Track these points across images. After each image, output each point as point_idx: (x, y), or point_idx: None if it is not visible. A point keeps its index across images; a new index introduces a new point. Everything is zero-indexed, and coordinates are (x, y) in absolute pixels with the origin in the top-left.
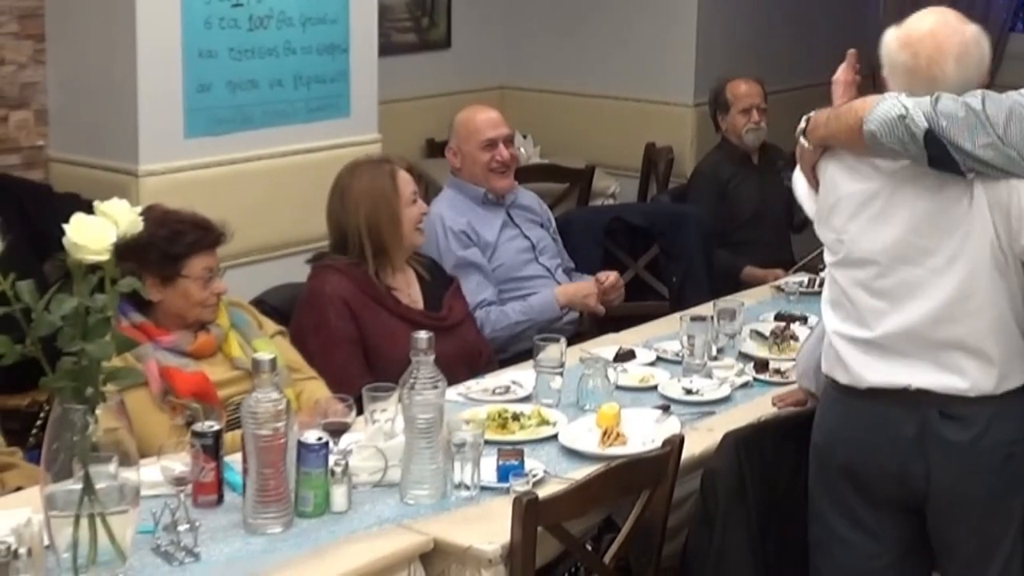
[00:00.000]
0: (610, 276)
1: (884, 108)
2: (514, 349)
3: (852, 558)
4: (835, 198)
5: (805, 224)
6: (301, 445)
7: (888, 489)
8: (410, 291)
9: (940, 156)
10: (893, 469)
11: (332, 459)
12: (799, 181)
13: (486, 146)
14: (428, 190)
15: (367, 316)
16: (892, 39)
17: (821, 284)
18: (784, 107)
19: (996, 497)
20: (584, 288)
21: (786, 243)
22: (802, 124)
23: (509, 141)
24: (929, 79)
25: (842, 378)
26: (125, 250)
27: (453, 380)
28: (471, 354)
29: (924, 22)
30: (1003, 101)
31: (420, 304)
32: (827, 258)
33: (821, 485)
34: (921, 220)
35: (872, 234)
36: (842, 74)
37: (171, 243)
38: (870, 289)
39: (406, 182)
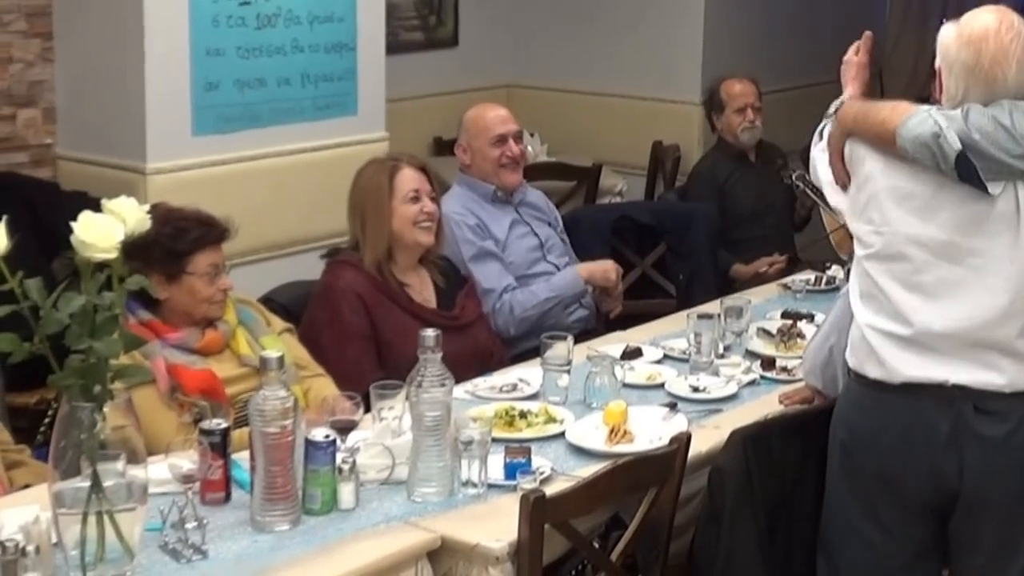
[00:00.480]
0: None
1: (917, 124)
2: (526, 345)
3: (867, 556)
4: (873, 190)
5: (806, 222)
6: (309, 443)
7: (918, 489)
8: (423, 290)
9: (968, 175)
10: (925, 468)
11: (339, 457)
12: (820, 164)
13: (496, 142)
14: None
15: (380, 312)
16: (953, 36)
17: (828, 282)
18: (790, 105)
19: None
20: (604, 263)
21: (789, 240)
22: (832, 107)
23: (518, 137)
24: (990, 79)
25: (873, 372)
26: (130, 249)
27: (464, 380)
28: (483, 354)
29: (988, 21)
30: None
31: (433, 303)
32: (859, 251)
33: (844, 482)
34: (964, 220)
35: (912, 230)
36: (854, 55)
37: (175, 240)
38: (907, 284)
39: (407, 180)
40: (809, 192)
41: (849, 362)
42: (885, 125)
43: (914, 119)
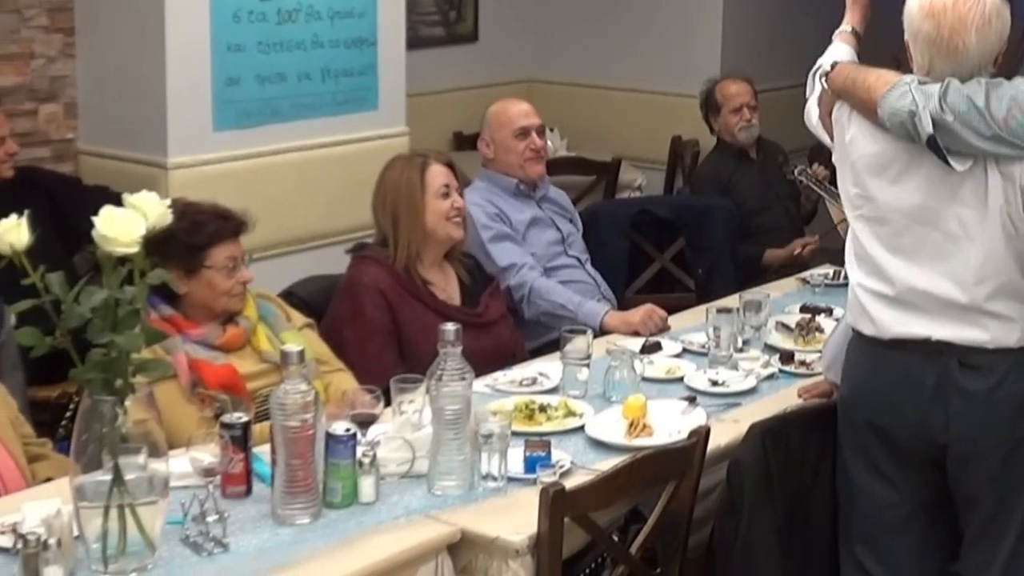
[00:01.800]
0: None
1: (896, 99)
2: (546, 339)
3: (873, 507)
4: (855, 156)
5: (813, 215)
6: (329, 436)
7: (910, 440)
8: (447, 287)
9: (937, 152)
10: (914, 419)
11: (360, 450)
12: (812, 111)
13: (519, 134)
14: None
15: (403, 308)
16: (915, 8)
17: (846, 276)
18: None
19: (1012, 448)
20: (631, 319)
21: (799, 228)
22: (826, 67)
23: (541, 131)
24: (951, 49)
25: (867, 329)
26: (148, 244)
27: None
28: (505, 353)
29: None
30: (1006, 92)
31: (457, 300)
32: (848, 212)
33: (846, 437)
34: (938, 187)
35: (889, 197)
36: None
37: (192, 234)
38: (889, 246)
39: (437, 175)
40: (813, 186)
41: (847, 319)
42: (870, 94)
43: (895, 92)
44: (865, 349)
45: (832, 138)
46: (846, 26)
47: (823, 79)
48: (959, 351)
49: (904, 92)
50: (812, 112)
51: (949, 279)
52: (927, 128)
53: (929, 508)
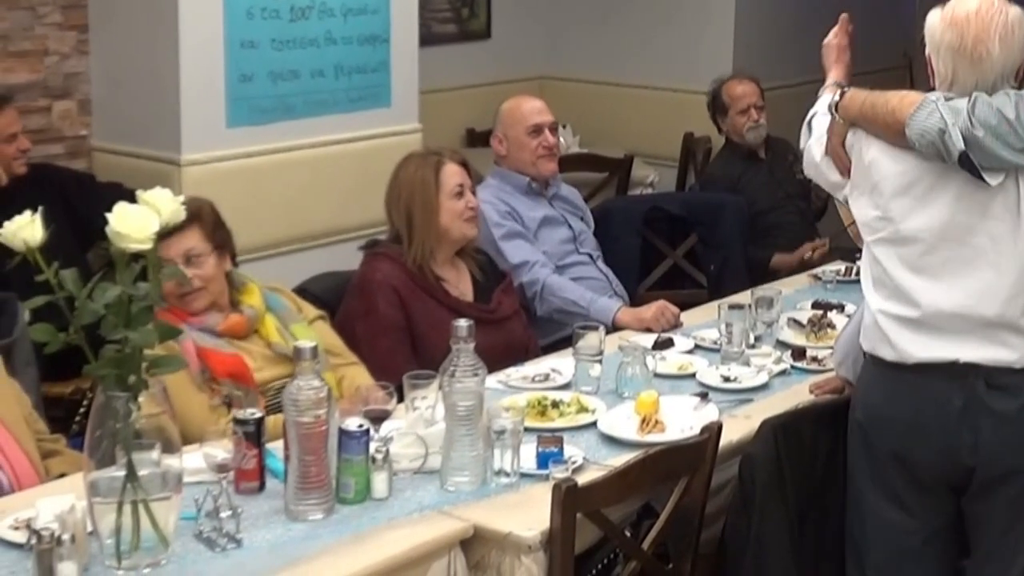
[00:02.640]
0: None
1: (923, 118)
2: (558, 335)
3: (888, 534)
4: (877, 177)
5: (823, 212)
6: (342, 432)
7: (934, 467)
8: (460, 284)
9: (969, 168)
10: (940, 445)
11: (373, 446)
12: (815, 150)
13: (533, 131)
14: None
15: (416, 305)
16: (937, 20)
17: (858, 272)
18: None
19: None
20: (643, 315)
21: (811, 225)
22: (835, 96)
23: (554, 128)
24: (975, 58)
25: (888, 355)
26: None
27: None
28: (518, 349)
29: (969, 3)
30: None
31: (470, 297)
32: (867, 236)
33: (864, 463)
34: (967, 203)
35: (917, 213)
36: (834, 39)
37: None
38: (913, 266)
39: (452, 174)
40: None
41: (863, 345)
42: (895, 115)
43: (922, 112)
44: (885, 375)
45: (842, 171)
46: (830, 80)
47: (833, 108)
48: (986, 372)
49: (931, 111)
50: (814, 152)
51: (979, 296)
52: (958, 145)
53: (943, 532)
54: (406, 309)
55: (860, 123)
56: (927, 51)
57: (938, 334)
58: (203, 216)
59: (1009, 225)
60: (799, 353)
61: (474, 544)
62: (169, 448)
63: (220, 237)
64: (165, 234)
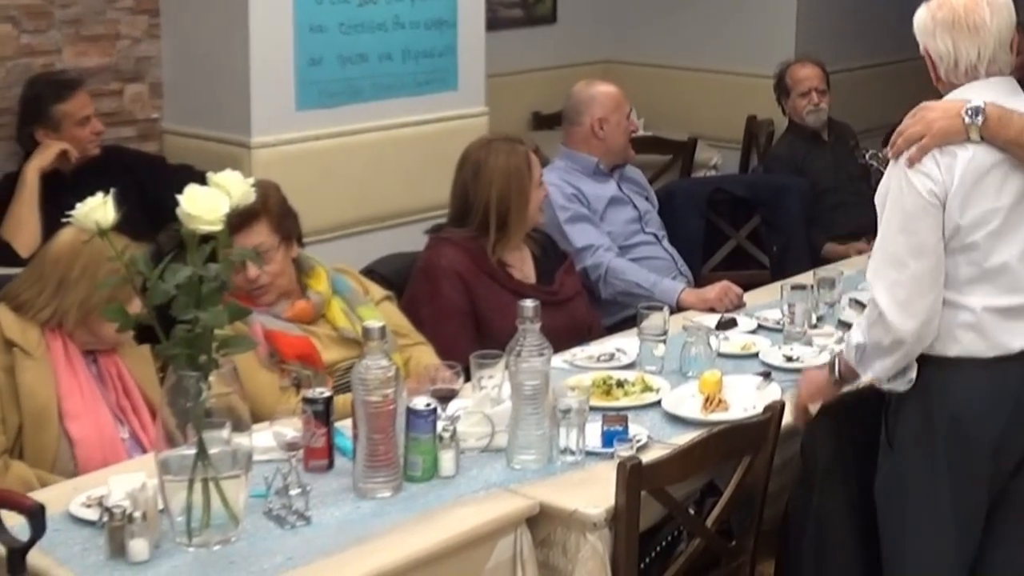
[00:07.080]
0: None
1: None
2: (623, 315)
3: (942, 529)
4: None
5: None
6: (410, 411)
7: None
8: (523, 267)
9: None
10: None
11: (440, 425)
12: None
13: (628, 116)
14: None
15: (480, 290)
16: (924, 10)
17: None
18: (890, 80)
19: None
20: (707, 295)
21: (873, 207)
22: (976, 119)
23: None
24: (971, 27)
25: (987, 352)
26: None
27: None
28: (581, 328)
29: None
30: None
31: (532, 279)
32: (953, 243)
33: (953, 459)
34: None
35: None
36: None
37: None
38: (1018, 255)
39: (536, 165)
40: (884, 170)
41: (948, 351)
42: None
43: None
44: (986, 368)
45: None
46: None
47: (977, 116)
48: None
49: None
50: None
51: None
52: None
53: (978, 509)
54: (470, 294)
55: (1012, 146)
56: (921, 47)
57: None
58: (269, 207)
59: None
60: None
61: (540, 521)
62: (239, 427)
63: (287, 227)
64: (232, 230)
